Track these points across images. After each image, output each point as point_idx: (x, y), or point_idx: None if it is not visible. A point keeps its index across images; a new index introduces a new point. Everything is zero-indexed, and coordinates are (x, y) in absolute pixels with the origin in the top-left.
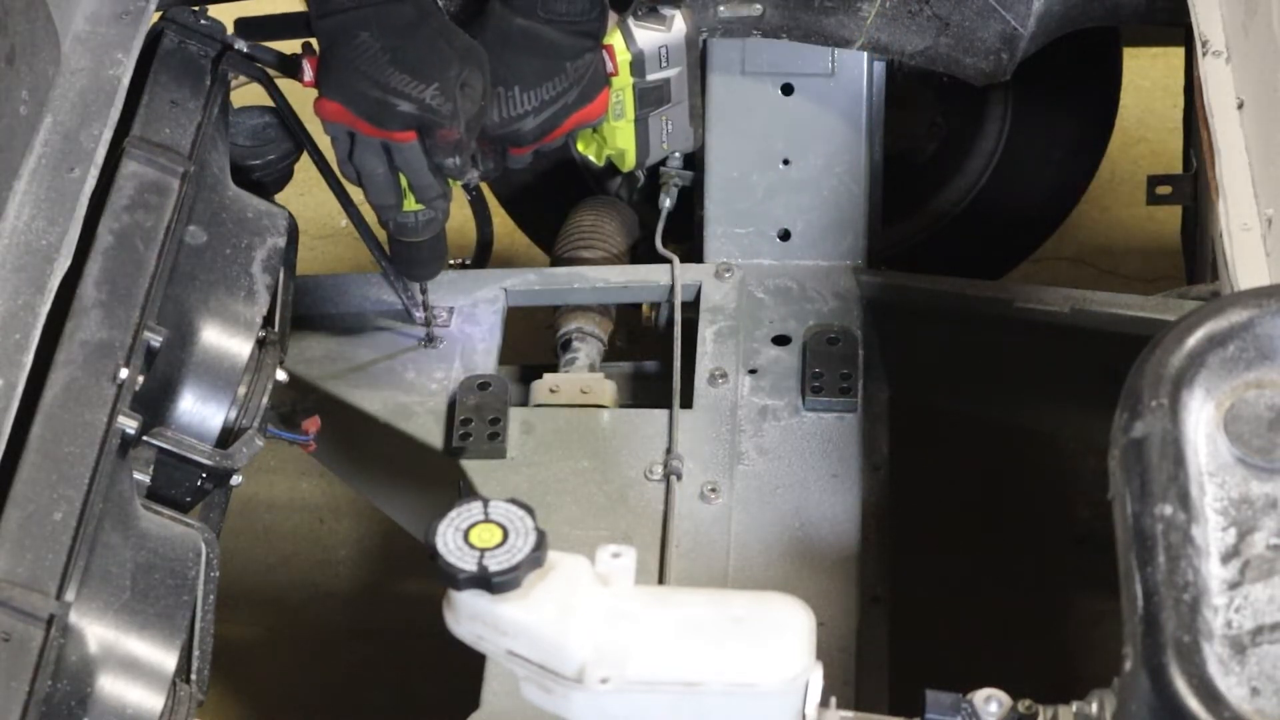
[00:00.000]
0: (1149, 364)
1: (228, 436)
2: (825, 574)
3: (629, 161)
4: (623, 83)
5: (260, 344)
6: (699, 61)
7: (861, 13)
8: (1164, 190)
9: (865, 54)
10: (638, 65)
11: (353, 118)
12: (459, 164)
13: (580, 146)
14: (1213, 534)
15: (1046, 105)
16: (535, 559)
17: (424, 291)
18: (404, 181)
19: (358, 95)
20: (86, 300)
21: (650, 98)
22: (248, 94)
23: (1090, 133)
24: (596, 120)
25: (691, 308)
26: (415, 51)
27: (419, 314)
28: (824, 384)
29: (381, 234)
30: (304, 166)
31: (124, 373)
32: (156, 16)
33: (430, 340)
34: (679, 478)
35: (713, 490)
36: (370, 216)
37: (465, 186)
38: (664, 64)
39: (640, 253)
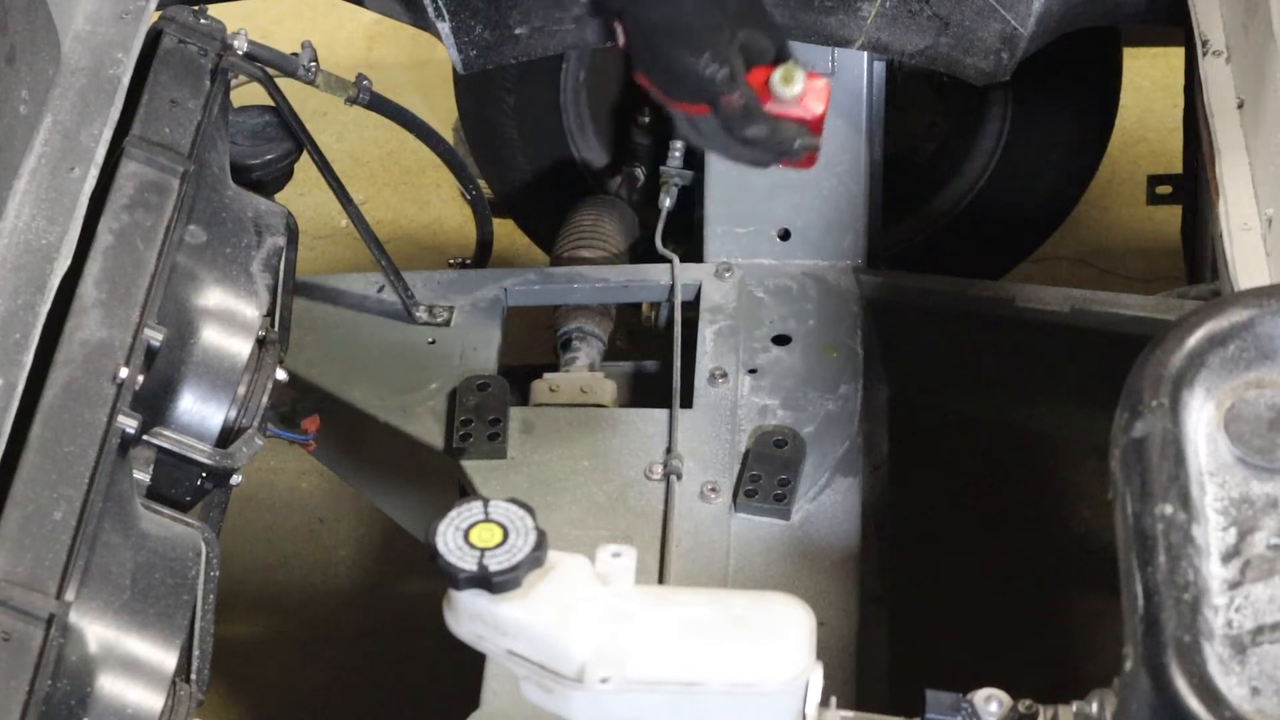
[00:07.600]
0: (1149, 364)
1: (228, 436)
2: (825, 574)
3: None
4: None
5: (260, 344)
6: None
7: (861, 12)
8: (1164, 190)
9: (865, 54)
10: None
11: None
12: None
13: None
14: (1213, 534)
15: (1046, 105)
16: (535, 559)
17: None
18: None
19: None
20: (86, 300)
21: None
22: (248, 94)
23: (1090, 133)
24: None
25: (691, 307)
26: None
27: (419, 314)
28: (759, 488)
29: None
30: (304, 166)
31: (124, 372)
32: (156, 16)
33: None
34: (679, 477)
35: (713, 490)
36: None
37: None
38: None
39: (640, 252)
